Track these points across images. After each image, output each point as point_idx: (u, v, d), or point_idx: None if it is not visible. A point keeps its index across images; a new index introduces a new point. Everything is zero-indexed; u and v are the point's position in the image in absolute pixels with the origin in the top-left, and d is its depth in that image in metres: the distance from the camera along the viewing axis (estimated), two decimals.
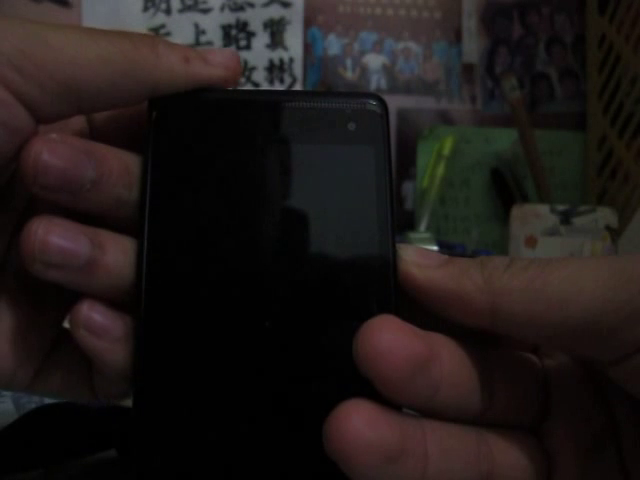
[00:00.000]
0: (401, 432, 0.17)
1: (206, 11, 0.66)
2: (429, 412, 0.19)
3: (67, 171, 0.19)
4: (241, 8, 0.66)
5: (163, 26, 0.65)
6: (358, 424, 0.17)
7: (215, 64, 0.21)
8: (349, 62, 0.69)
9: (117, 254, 0.20)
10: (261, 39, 0.66)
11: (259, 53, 0.66)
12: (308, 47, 0.67)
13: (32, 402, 0.43)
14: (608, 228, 0.60)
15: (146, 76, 0.20)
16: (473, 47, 0.69)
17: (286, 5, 0.67)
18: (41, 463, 0.32)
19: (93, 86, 0.19)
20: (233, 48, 0.23)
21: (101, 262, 0.20)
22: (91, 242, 0.19)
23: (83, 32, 0.19)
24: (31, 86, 0.18)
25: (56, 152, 0.19)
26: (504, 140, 0.68)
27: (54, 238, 0.19)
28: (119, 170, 0.20)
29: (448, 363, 0.19)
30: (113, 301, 0.20)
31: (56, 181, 0.19)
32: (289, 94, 0.22)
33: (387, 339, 0.17)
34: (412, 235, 0.60)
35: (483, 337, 0.20)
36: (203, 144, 0.21)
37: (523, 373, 0.21)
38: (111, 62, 0.19)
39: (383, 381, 0.17)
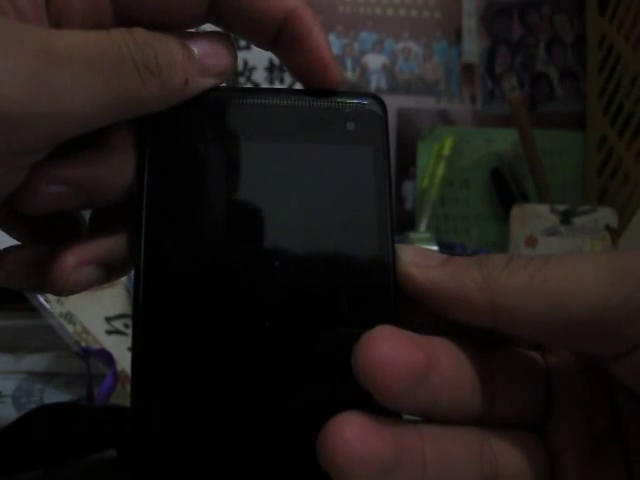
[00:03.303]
0: (395, 443, 0.17)
1: None
2: (430, 417, 0.19)
3: None
4: None
5: None
6: (349, 438, 0.17)
7: (212, 72, 0.21)
8: (349, 62, 0.69)
9: None
10: None
11: (259, 53, 0.66)
12: None
13: (32, 402, 0.43)
14: (608, 228, 0.60)
15: (146, 109, 0.20)
16: (473, 47, 0.69)
17: None
18: (41, 463, 0.32)
19: (89, 130, 0.19)
20: (226, 36, 0.22)
21: None
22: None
23: (94, 64, 0.18)
24: (26, 144, 0.18)
25: None
26: (504, 140, 0.68)
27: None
28: None
29: (447, 369, 0.19)
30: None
31: None
32: (288, 93, 0.22)
33: (385, 351, 0.17)
34: (412, 235, 0.60)
35: (484, 336, 0.20)
36: (201, 144, 0.21)
37: (525, 372, 0.21)
38: (118, 108, 0.19)
39: (382, 393, 0.17)
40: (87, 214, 0.24)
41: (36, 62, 0.17)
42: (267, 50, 0.22)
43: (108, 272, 0.21)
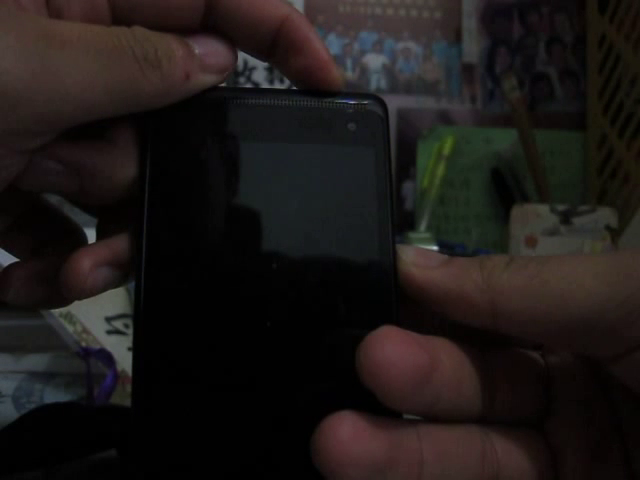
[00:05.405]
0: (389, 443, 0.17)
1: None
2: (430, 417, 0.19)
3: None
4: None
5: None
6: (342, 438, 0.17)
7: (213, 69, 0.21)
8: (349, 62, 0.69)
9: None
10: None
11: None
12: None
13: (32, 402, 0.43)
14: (608, 228, 0.60)
15: (147, 102, 0.20)
16: (473, 47, 0.69)
17: None
18: (41, 463, 0.32)
19: (89, 118, 0.19)
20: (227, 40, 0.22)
21: None
22: None
23: (93, 50, 0.18)
24: (27, 131, 0.18)
25: None
26: (504, 140, 0.68)
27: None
28: None
29: (449, 369, 0.19)
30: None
31: None
32: (289, 93, 0.22)
33: (389, 352, 0.17)
34: (412, 235, 0.60)
35: (484, 336, 0.20)
36: (202, 145, 0.21)
37: (525, 371, 0.21)
38: (118, 97, 0.19)
39: (386, 394, 0.17)
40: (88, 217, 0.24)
41: (36, 42, 0.17)
42: (263, 61, 0.23)
43: (124, 273, 0.21)
